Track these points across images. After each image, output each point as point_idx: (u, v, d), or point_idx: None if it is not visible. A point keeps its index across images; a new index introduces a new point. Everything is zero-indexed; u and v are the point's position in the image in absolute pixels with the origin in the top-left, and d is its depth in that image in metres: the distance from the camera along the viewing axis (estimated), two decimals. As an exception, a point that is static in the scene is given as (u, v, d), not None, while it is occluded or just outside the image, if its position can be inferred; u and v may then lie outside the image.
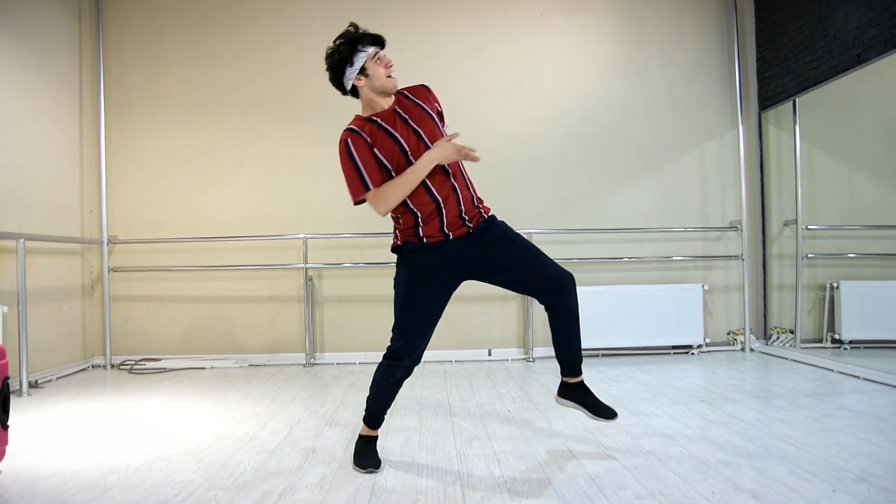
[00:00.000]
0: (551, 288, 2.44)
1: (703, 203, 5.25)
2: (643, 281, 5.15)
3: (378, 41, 2.44)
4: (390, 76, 2.39)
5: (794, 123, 4.88)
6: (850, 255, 5.04)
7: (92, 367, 4.99)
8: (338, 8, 5.16)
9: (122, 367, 4.93)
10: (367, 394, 2.55)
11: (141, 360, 4.98)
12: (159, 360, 4.99)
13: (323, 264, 5.04)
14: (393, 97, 2.43)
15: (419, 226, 2.35)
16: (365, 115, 2.43)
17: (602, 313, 4.96)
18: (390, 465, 2.50)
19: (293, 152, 5.13)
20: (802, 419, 3.02)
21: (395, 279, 2.45)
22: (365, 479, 2.34)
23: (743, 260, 5.18)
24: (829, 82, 4.45)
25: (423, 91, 2.52)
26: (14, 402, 3.69)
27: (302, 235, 4.98)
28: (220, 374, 4.61)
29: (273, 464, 2.53)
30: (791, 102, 4.88)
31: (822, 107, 4.84)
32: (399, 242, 2.43)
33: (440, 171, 2.35)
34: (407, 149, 2.33)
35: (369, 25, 5.04)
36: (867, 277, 4.95)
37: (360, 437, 2.55)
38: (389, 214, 2.39)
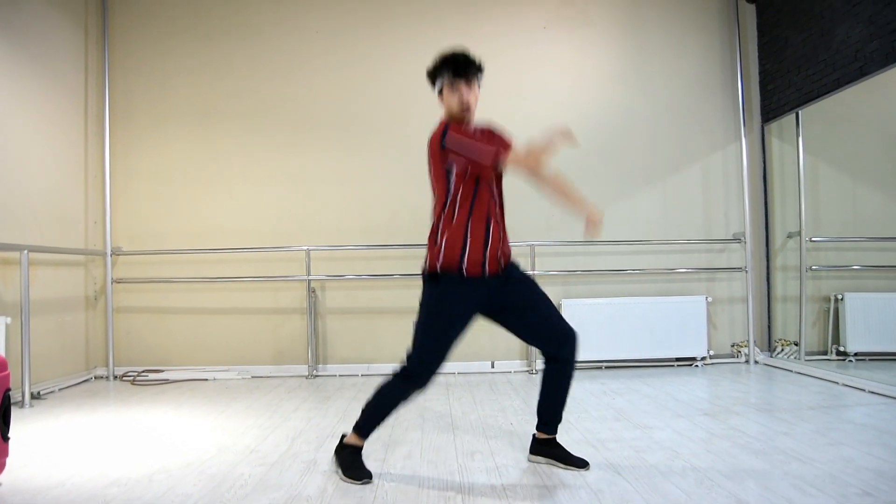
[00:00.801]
0: (558, 338, 2.51)
1: (706, 215, 5.25)
2: (646, 293, 5.14)
3: (456, 69, 2.52)
4: (464, 108, 2.50)
5: (797, 135, 4.89)
6: (854, 267, 5.02)
7: (95, 378, 5.00)
8: (341, 20, 5.19)
9: (124, 378, 4.93)
10: (367, 404, 2.54)
11: (144, 372, 4.98)
12: (162, 371, 4.99)
13: (326, 276, 5.04)
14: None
15: (465, 253, 2.37)
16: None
17: (605, 325, 4.95)
18: (392, 477, 2.49)
19: (297, 163, 5.15)
20: (807, 433, 3.00)
21: (427, 303, 2.44)
22: (366, 491, 2.33)
23: (746, 272, 5.16)
24: (832, 95, 4.45)
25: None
26: (16, 414, 3.69)
27: (305, 247, 4.99)
28: (222, 386, 4.61)
29: (274, 476, 2.52)
30: (794, 115, 4.89)
31: (825, 119, 4.84)
32: (438, 269, 2.41)
33: (495, 201, 2.45)
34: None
35: (370, 38, 5.09)
36: (871, 289, 4.93)
37: (348, 447, 2.53)
38: (433, 232, 2.44)
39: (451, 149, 2.36)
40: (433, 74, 2.58)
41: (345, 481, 2.43)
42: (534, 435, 2.67)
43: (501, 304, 2.49)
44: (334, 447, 2.56)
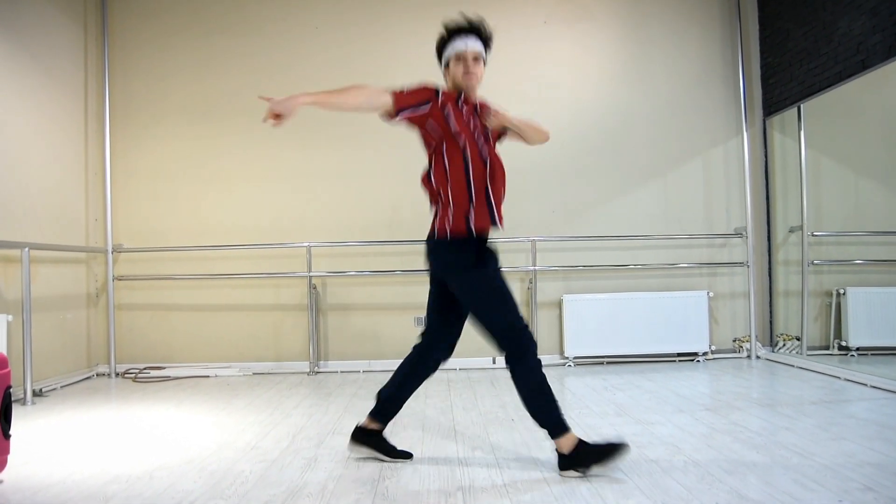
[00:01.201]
0: (451, 341, 2.65)
1: (707, 210, 5.23)
2: (648, 288, 5.13)
3: (466, 35, 2.58)
4: (468, 74, 2.52)
5: (799, 129, 4.87)
6: (856, 262, 5.00)
7: (96, 375, 5.00)
8: (340, 16, 5.18)
9: (126, 375, 4.94)
10: (528, 402, 2.45)
11: (145, 369, 4.99)
12: (163, 368, 4.99)
13: (327, 272, 5.04)
14: (478, 102, 2.59)
15: (470, 212, 2.41)
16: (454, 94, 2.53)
17: (606, 321, 4.94)
18: (392, 475, 2.49)
19: (297, 160, 5.14)
20: (808, 428, 2.99)
21: (476, 288, 2.43)
22: (366, 489, 2.33)
23: (748, 267, 5.15)
24: (834, 88, 4.43)
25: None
26: (18, 411, 3.69)
27: (306, 244, 4.99)
28: (223, 383, 4.61)
29: (275, 473, 2.52)
30: (796, 108, 4.87)
31: (827, 112, 4.82)
32: (460, 230, 2.41)
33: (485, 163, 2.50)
34: (461, 134, 2.46)
35: (369, 34, 5.08)
36: (874, 284, 4.92)
37: (581, 443, 2.39)
38: (438, 193, 2.54)
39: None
40: (439, 51, 2.63)
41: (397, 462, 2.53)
42: (358, 423, 2.68)
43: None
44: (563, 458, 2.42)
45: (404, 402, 2.65)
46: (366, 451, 2.62)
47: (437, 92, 2.48)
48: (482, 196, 2.42)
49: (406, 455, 2.62)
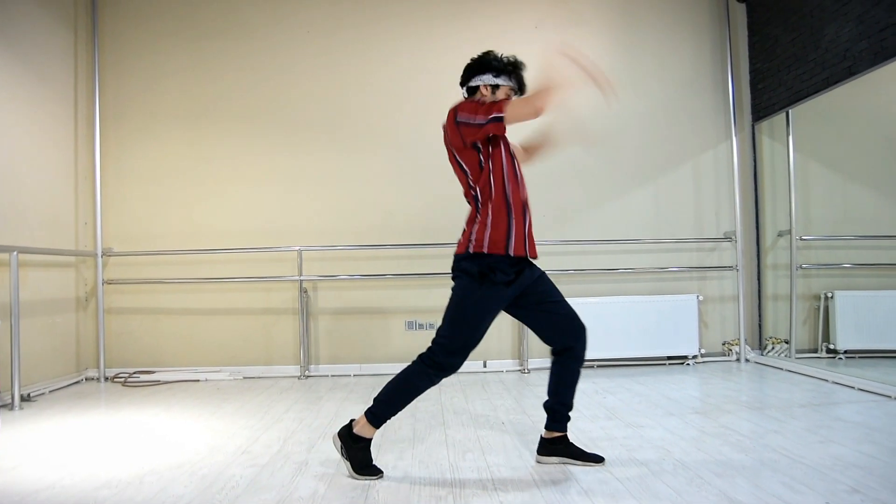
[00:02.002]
0: (573, 332, 2.55)
1: (697, 214, 5.27)
2: (638, 292, 5.16)
3: (520, 86, 2.70)
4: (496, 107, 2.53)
5: (788, 134, 4.91)
6: (844, 266, 5.05)
7: (86, 379, 4.97)
8: (332, 20, 5.18)
9: (115, 379, 4.91)
10: (385, 394, 2.49)
11: (135, 373, 4.96)
12: (153, 372, 4.97)
13: (318, 276, 5.04)
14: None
15: (511, 234, 2.40)
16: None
17: (597, 324, 4.93)
18: (383, 480, 2.48)
19: (288, 164, 5.14)
20: (797, 430, 3.01)
21: (463, 290, 2.43)
22: (357, 492, 2.33)
23: (737, 270, 5.19)
24: (822, 94, 4.48)
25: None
26: (6, 416, 3.68)
27: (297, 247, 4.98)
28: (213, 387, 4.60)
29: (265, 477, 2.52)
30: (784, 114, 4.92)
31: (815, 118, 4.87)
32: (484, 250, 2.40)
33: (521, 184, 2.56)
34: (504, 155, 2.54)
35: (364, 36, 5.10)
36: (861, 287, 4.96)
37: (363, 440, 2.49)
38: (473, 211, 2.49)
39: (462, 121, 2.45)
40: (496, 69, 2.67)
41: (357, 478, 2.44)
42: (541, 436, 2.67)
43: (523, 292, 2.51)
44: (341, 442, 2.51)
45: (571, 402, 2.63)
46: (556, 460, 2.62)
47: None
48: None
49: (598, 458, 2.58)
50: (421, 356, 2.46)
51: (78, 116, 5.06)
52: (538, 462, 2.65)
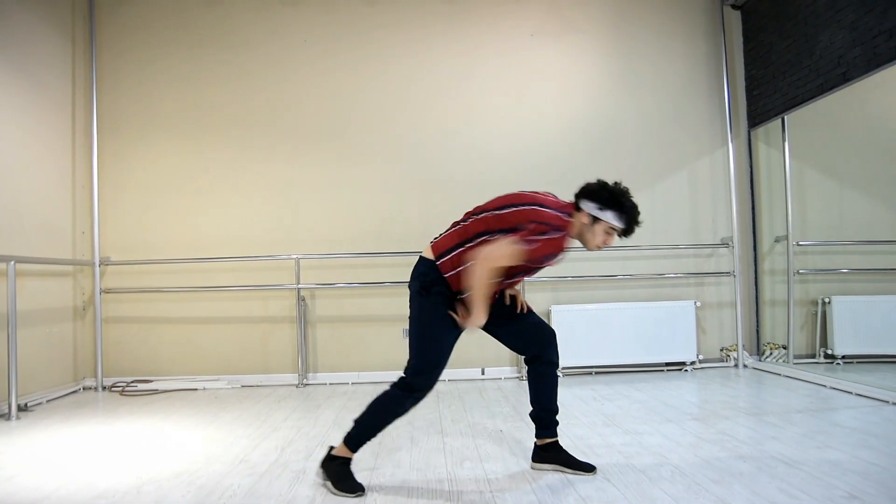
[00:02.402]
0: (542, 337, 2.60)
1: (694, 220, 5.28)
2: (635, 298, 5.16)
3: (626, 229, 2.59)
4: (598, 246, 2.58)
5: (784, 140, 4.93)
6: (841, 271, 5.06)
7: (83, 389, 4.96)
8: (328, 29, 5.20)
9: (113, 388, 4.90)
10: (363, 417, 2.49)
11: (132, 382, 4.95)
12: (151, 381, 4.96)
13: (315, 284, 5.04)
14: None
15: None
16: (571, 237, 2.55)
17: (595, 331, 4.96)
18: (381, 486, 2.48)
19: (285, 172, 5.14)
20: (795, 436, 3.01)
21: (416, 307, 2.45)
22: (356, 501, 2.33)
23: (735, 276, 5.20)
24: (817, 100, 4.50)
25: None
26: (3, 426, 3.67)
27: (294, 256, 4.99)
28: (211, 396, 4.59)
29: (263, 486, 2.51)
30: (780, 120, 4.94)
31: (811, 124, 4.89)
32: (443, 273, 2.42)
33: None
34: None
35: (361, 44, 5.12)
36: (858, 292, 4.97)
37: (338, 459, 2.48)
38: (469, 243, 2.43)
39: (519, 228, 2.38)
40: (606, 203, 2.53)
41: (337, 494, 2.40)
42: (535, 443, 2.68)
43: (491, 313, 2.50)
44: (321, 460, 2.53)
45: (556, 404, 2.65)
46: (548, 467, 2.63)
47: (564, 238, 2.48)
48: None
49: (589, 467, 2.57)
50: (394, 382, 2.46)
51: (75, 126, 5.07)
52: (532, 469, 2.65)
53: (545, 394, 2.61)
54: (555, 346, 2.63)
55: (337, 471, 2.46)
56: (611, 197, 2.50)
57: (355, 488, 2.41)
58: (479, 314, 2.33)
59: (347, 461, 2.49)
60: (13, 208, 4.32)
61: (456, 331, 2.45)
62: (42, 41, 4.71)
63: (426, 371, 2.42)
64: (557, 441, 2.65)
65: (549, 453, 2.63)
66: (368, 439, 2.50)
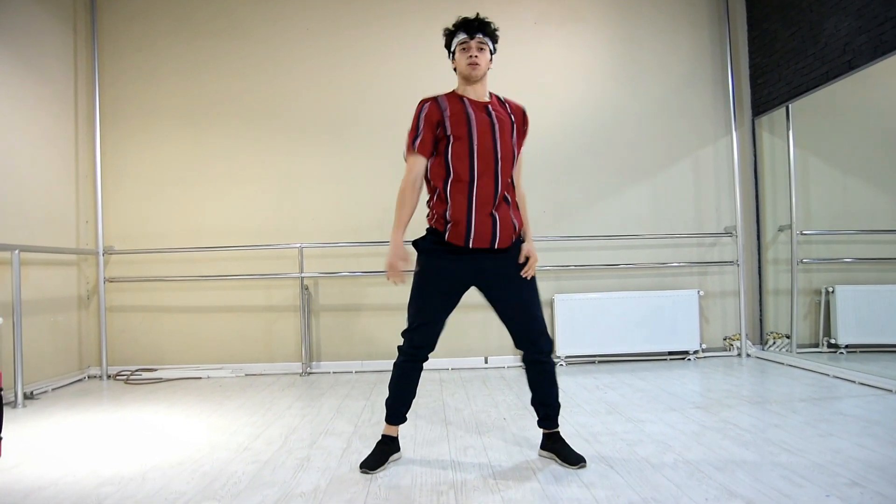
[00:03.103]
0: (530, 336, 2.54)
1: (697, 209, 5.27)
2: (638, 287, 5.16)
3: (467, 29, 2.54)
4: (471, 63, 2.51)
5: (788, 129, 4.91)
6: (845, 260, 5.05)
7: (88, 377, 4.99)
8: (332, 18, 5.18)
9: (118, 377, 4.92)
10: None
11: (137, 371, 4.97)
12: (155, 370, 4.98)
13: (319, 273, 5.05)
14: (490, 95, 2.58)
15: (448, 221, 2.47)
16: (458, 92, 2.57)
17: (598, 320, 4.96)
18: (384, 474, 2.50)
19: (288, 161, 5.14)
20: (797, 424, 3.02)
21: (414, 271, 2.58)
22: (358, 488, 2.34)
23: (738, 265, 5.19)
24: (821, 88, 4.48)
25: (519, 110, 2.68)
26: (9, 414, 3.69)
27: (298, 245, 4.99)
28: (215, 384, 4.61)
29: (267, 473, 2.53)
30: (784, 108, 4.91)
31: (815, 112, 4.86)
32: (428, 224, 2.56)
33: (489, 177, 2.45)
34: (475, 139, 2.44)
35: (362, 33, 5.12)
36: (862, 282, 4.96)
37: (383, 437, 2.66)
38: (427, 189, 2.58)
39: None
40: (447, 45, 2.63)
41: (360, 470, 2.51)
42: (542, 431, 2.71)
43: (488, 283, 2.55)
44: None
45: (551, 398, 2.63)
46: (546, 454, 2.65)
47: (432, 101, 2.53)
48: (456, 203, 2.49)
49: (576, 460, 2.51)
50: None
51: (78, 115, 5.06)
52: (539, 455, 2.68)
53: (538, 387, 2.61)
54: (541, 342, 2.53)
55: (373, 450, 2.62)
56: (448, 37, 2.62)
57: (365, 463, 2.53)
58: (390, 250, 2.43)
59: (384, 437, 2.63)
60: (17, 198, 4.33)
61: (437, 290, 2.52)
62: (44, 31, 4.70)
63: (409, 329, 2.56)
64: (555, 432, 2.64)
65: (547, 442, 2.65)
66: (393, 409, 2.63)
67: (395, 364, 2.61)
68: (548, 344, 2.55)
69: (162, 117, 5.17)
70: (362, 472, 2.48)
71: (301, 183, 5.15)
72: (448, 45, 2.61)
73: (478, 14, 2.57)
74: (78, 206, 5.03)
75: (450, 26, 2.59)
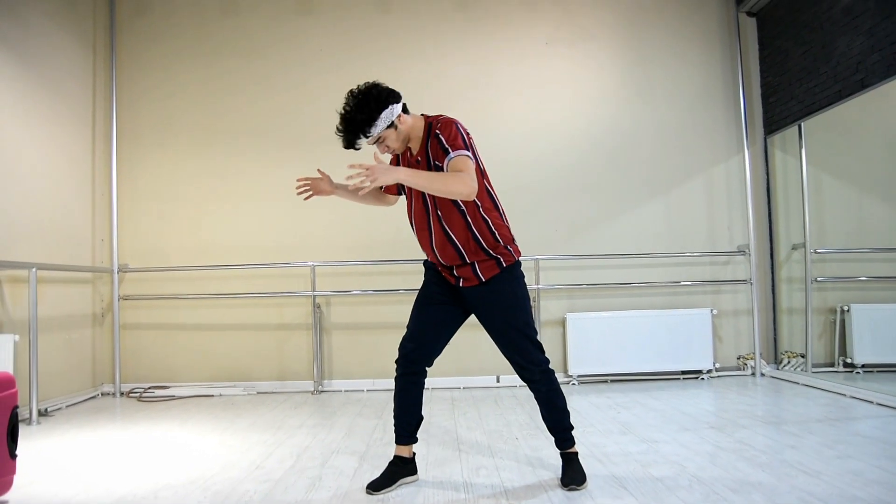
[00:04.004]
0: (513, 360, 2.58)
1: (710, 227, 5.25)
2: (652, 306, 5.14)
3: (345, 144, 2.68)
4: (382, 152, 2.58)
5: (800, 147, 4.90)
6: (860, 278, 5.00)
7: (102, 394, 5.01)
8: (343, 38, 5.25)
9: (131, 394, 4.94)
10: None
11: (150, 388, 4.99)
12: (168, 387, 5.00)
13: (331, 292, 5.06)
14: (421, 139, 2.60)
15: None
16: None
17: (611, 339, 4.94)
18: (396, 494, 2.48)
19: (301, 180, 5.17)
20: (814, 445, 2.98)
21: None
22: (368, 499, 2.33)
23: (751, 284, 5.15)
24: (834, 107, 4.47)
25: (429, 135, 2.56)
26: (23, 431, 3.69)
27: (310, 263, 5.01)
28: (227, 402, 4.61)
29: (279, 493, 2.52)
30: (796, 126, 4.90)
31: (828, 130, 4.85)
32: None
33: (419, 206, 2.55)
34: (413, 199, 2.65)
35: (376, 52, 5.16)
36: (878, 300, 4.91)
37: (394, 457, 2.64)
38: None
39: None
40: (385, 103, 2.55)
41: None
42: None
43: (473, 307, 2.61)
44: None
45: (553, 421, 2.62)
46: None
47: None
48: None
49: (568, 482, 2.48)
50: None
51: (95, 134, 5.14)
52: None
53: (540, 408, 2.61)
54: (520, 369, 2.53)
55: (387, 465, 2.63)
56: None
57: (371, 484, 2.50)
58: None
59: (395, 458, 2.62)
60: (34, 216, 4.39)
61: (429, 304, 2.60)
62: (64, 50, 4.79)
63: (407, 339, 2.62)
64: (564, 453, 2.59)
65: (561, 460, 2.61)
66: (397, 424, 2.62)
67: (396, 380, 2.64)
68: (529, 372, 2.52)
69: (177, 135, 5.24)
70: (367, 492, 2.46)
71: (314, 201, 5.16)
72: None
73: (339, 123, 2.60)
74: (94, 224, 5.09)
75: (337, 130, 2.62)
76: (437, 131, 2.47)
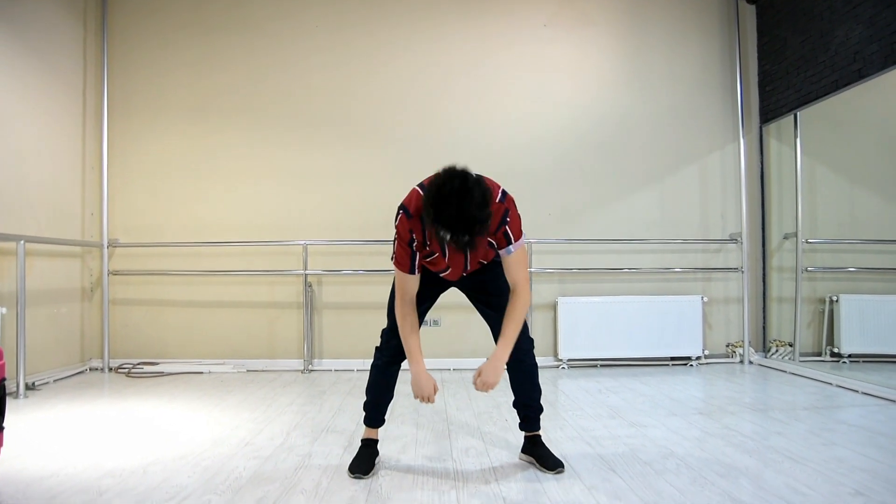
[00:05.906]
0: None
1: (703, 215, 5.25)
2: (643, 292, 5.15)
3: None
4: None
5: (795, 137, 4.90)
6: (850, 269, 5.03)
7: (90, 370, 4.99)
8: (341, 16, 5.18)
9: (119, 370, 4.92)
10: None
11: (139, 364, 4.97)
12: (157, 363, 4.98)
13: (322, 271, 5.04)
14: None
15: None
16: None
17: (601, 324, 4.96)
18: (386, 473, 2.49)
19: (294, 158, 5.14)
20: (800, 433, 3.01)
21: None
22: (360, 486, 2.33)
23: (743, 272, 5.18)
24: (831, 97, 4.46)
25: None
26: (11, 405, 3.68)
27: (302, 242, 4.99)
28: (217, 379, 4.60)
29: (268, 469, 2.52)
30: (792, 116, 4.90)
31: (824, 120, 4.85)
32: None
33: (457, 260, 2.48)
34: (444, 266, 2.47)
35: (370, 30, 5.11)
36: (867, 291, 4.95)
37: (363, 440, 2.62)
38: None
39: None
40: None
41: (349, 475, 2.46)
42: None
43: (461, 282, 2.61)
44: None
45: (529, 401, 2.65)
46: (526, 458, 2.62)
47: (406, 216, 2.69)
48: None
49: (554, 465, 2.47)
50: None
51: (86, 108, 5.07)
52: (518, 459, 2.66)
53: (519, 388, 2.60)
54: (518, 340, 2.43)
55: (356, 454, 2.57)
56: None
57: (352, 468, 2.46)
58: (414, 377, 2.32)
59: (365, 441, 2.59)
60: (23, 189, 4.33)
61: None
62: (55, 24, 4.70)
63: (386, 333, 2.65)
64: (535, 435, 2.60)
65: (528, 445, 2.62)
66: (375, 413, 2.62)
67: (373, 365, 2.60)
68: (526, 342, 2.52)
69: (170, 111, 5.17)
70: (355, 477, 2.41)
71: (307, 179, 5.15)
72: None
73: (449, 222, 2.00)
74: (84, 198, 5.03)
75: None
76: (507, 224, 2.30)
